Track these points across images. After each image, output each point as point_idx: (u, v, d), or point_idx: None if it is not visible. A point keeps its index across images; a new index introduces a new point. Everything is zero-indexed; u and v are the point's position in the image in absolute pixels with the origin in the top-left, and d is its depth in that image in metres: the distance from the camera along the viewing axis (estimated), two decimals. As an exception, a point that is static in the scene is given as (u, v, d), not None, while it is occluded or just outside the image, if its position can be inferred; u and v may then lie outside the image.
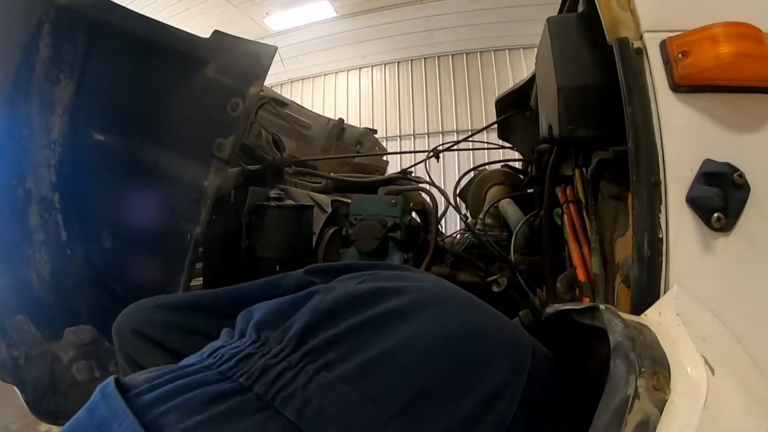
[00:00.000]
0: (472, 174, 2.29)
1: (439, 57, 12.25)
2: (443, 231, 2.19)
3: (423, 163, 2.16)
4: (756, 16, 0.86)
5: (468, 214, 2.31)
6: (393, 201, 1.78)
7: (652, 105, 0.84)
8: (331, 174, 2.47)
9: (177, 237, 1.66)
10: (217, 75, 1.71)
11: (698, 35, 0.83)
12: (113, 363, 1.69)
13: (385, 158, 3.65)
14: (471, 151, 2.36)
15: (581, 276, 1.15)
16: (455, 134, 11.99)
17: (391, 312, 0.72)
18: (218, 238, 1.87)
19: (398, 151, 11.93)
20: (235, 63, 1.72)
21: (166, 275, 1.67)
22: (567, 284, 1.27)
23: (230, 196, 1.90)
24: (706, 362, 0.62)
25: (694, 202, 0.78)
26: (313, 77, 13.88)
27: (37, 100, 1.71)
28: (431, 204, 1.89)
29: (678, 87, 0.83)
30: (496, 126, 2.13)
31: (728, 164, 0.78)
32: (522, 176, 2.29)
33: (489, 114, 8.86)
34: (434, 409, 0.61)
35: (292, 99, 10.68)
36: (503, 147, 2.27)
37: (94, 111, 1.82)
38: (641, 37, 0.89)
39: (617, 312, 0.67)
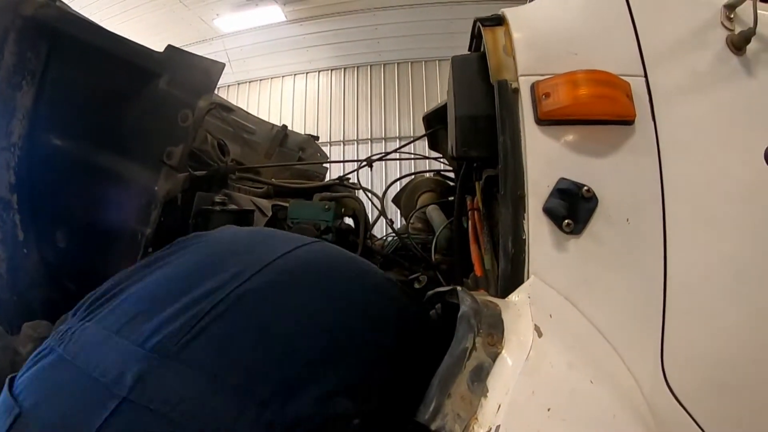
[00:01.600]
0: (405, 181, 2.48)
1: (384, 65, 12.35)
2: (375, 234, 2.36)
3: (359, 170, 2.32)
4: (612, 62, 1.11)
5: (398, 219, 2.50)
6: (326, 206, 1.92)
7: (521, 134, 1.07)
8: (272, 180, 2.56)
9: (129, 237, 1.75)
10: (169, 87, 1.79)
11: (559, 80, 1.06)
12: None
13: (325, 165, 3.75)
14: (403, 161, 2.52)
15: (477, 271, 1.37)
16: (398, 140, 12.11)
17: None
18: (166, 239, 1.95)
19: (341, 156, 12.11)
20: (186, 77, 1.81)
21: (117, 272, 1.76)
22: (474, 280, 1.50)
23: (177, 199, 1.97)
24: (537, 328, 0.85)
25: (548, 211, 1.01)
26: (260, 80, 13.78)
27: (0, 105, 1.77)
28: (362, 208, 2.04)
29: (541, 121, 1.06)
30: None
31: (576, 182, 1.01)
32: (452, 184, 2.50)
33: (431, 122, 9.13)
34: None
35: (239, 101, 10.61)
36: (430, 157, 2.46)
37: (53, 117, 1.86)
38: (517, 79, 1.11)
39: (470, 293, 0.91)
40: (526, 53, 1.14)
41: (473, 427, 0.76)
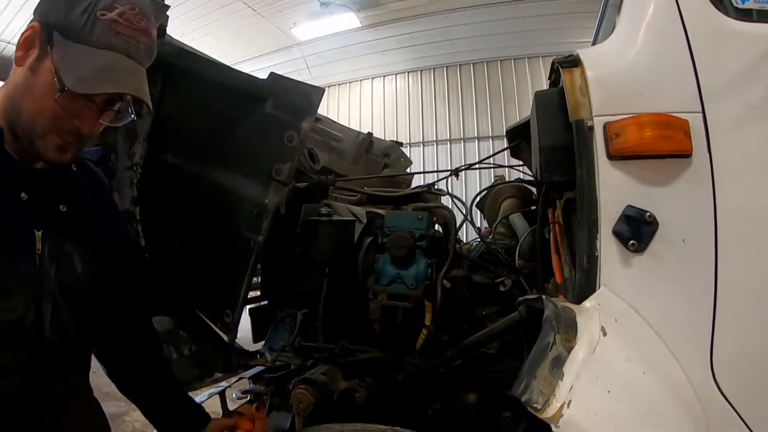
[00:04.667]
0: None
1: (460, 65, 12.73)
2: (462, 239, 2.62)
3: (446, 178, 2.60)
4: (673, 101, 1.37)
5: (479, 222, 2.76)
6: (420, 216, 2.10)
7: (595, 168, 1.35)
8: (365, 188, 2.77)
9: (242, 244, 1.97)
10: (274, 111, 2.01)
11: (627, 122, 1.33)
12: (187, 347, 2.09)
13: (408, 169, 3.94)
14: (489, 169, 2.74)
15: (558, 279, 1.67)
16: (476, 140, 12.31)
17: None
18: (273, 245, 2.13)
19: (421, 157, 12.41)
20: (289, 101, 2.00)
21: (231, 276, 2.00)
22: (554, 286, 1.78)
23: (281, 208, 2.12)
24: (603, 329, 1.16)
25: (616, 233, 1.31)
26: (339, 84, 14.35)
27: (122, 131, 2.06)
28: (451, 217, 2.22)
29: (612, 156, 1.34)
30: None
31: (639, 209, 1.29)
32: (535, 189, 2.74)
33: (509, 121, 9.21)
34: None
35: (320, 105, 11.07)
36: (512, 166, 2.71)
37: (170, 139, 2.17)
38: (592, 119, 1.38)
39: (553, 300, 1.23)
40: (599, 95, 1.40)
41: (551, 401, 1.08)
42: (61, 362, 1.33)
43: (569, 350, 1.18)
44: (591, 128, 1.39)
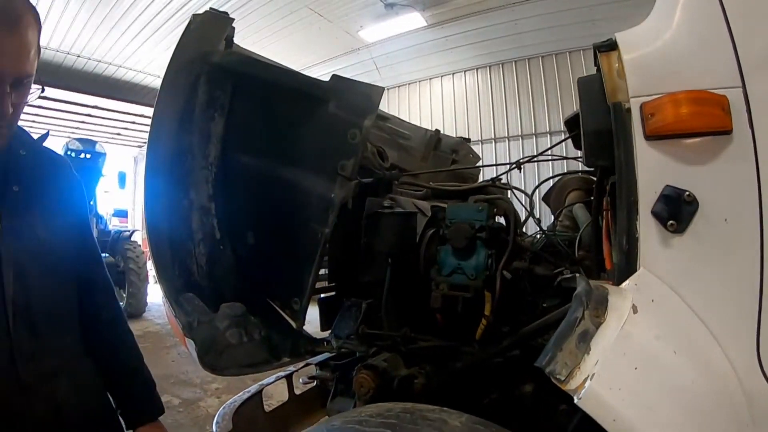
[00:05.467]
0: (552, 181, 2.74)
1: (528, 59, 12.54)
2: (525, 232, 2.62)
3: (509, 171, 2.61)
4: (711, 76, 1.32)
5: (549, 217, 2.77)
6: (480, 208, 2.14)
7: (633, 149, 1.34)
8: (430, 183, 2.81)
9: (310, 236, 2.08)
10: (337, 110, 2.11)
11: (663, 101, 1.31)
12: (257, 332, 2.17)
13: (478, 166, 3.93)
14: (554, 160, 2.71)
15: (607, 265, 1.67)
16: (549, 135, 12.06)
17: None
18: (340, 237, 2.26)
19: (493, 154, 12.33)
20: (351, 101, 2.09)
21: (299, 266, 2.12)
22: (612, 274, 1.77)
23: (349, 203, 2.21)
24: (633, 307, 1.16)
25: (655, 214, 1.29)
26: (409, 84, 14.48)
27: (198, 134, 2.24)
28: (512, 209, 2.24)
29: (649, 137, 1.32)
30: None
31: (678, 188, 1.27)
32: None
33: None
34: None
35: (390, 105, 11.31)
36: (575, 158, 2.69)
37: (241, 140, 2.32)
38: (629, 100, 1.37)
39: (586, 278, 1.23)
40: (635, 76, 1.39)
41: (575, 373, 1.09)
42: (32, 318, 1.48)
43: (597, 326, 1.19)
44: (628, 110, 1.38)
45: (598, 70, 1.62)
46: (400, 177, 2.63)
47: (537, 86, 12.59)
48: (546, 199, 2.84)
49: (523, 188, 2.51)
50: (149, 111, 2.18)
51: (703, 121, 1.28)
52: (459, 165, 3.64)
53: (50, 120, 17.00)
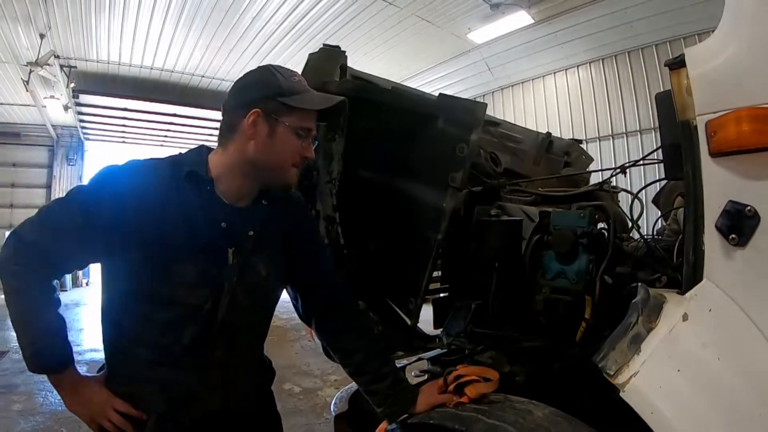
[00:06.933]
0: (660, 185, 2.72)
1: (642, 49, 11.84)
2: (632, 236, 2.65)
3: (615, 175, 2.63)
4: None
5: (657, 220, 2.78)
6: (582, 215, 2.24)
7: (700, 164, 1.43)
8: (538, 189, 2.90)
9: (424, 242, 2.24)
10: (445, 126, 2.26)
11: (726, 119, 1.36)
12: (376, 327, 2.37)
13: (591, 166, 3.95)
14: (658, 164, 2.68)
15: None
16: None
17: None
18: (452, 243, 2.41)
19: (611, 151, 12.16)
20: (457, 116, 2.23)
21: (415, 269, 2.29)
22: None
23: (460, 210, 2.42)
24: (684, 315, 1.27)
25: (719, 228, 1.37)
26: (522, 83, 14.29)
27: (321, 153, 2.44)
28: (615, 214, 2.31)
29: (713, 153, 1.40)
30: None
31: (740, 203, 1.34)
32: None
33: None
34: None
35: (505, 105, 11.39)
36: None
37: (360, 156, 2.52)
38: (695, 118, 1.45)
39: (646, 287, 1.38)
40: (701, 93, 1.45)
41: (624, 370, 1.26)
42: (229, 336, 1.76)
43: (649, 330, 1.33)
44: (695, 127, 1.45)
45: None
46: (506, 185, 2.76)
47: (653, 77, 11.77)
48: (655, 201, 2.85)
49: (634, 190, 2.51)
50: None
51: (764, 138, 1.33)
52: (572, 167, 3.68)
53: (182, 134, 18.58)
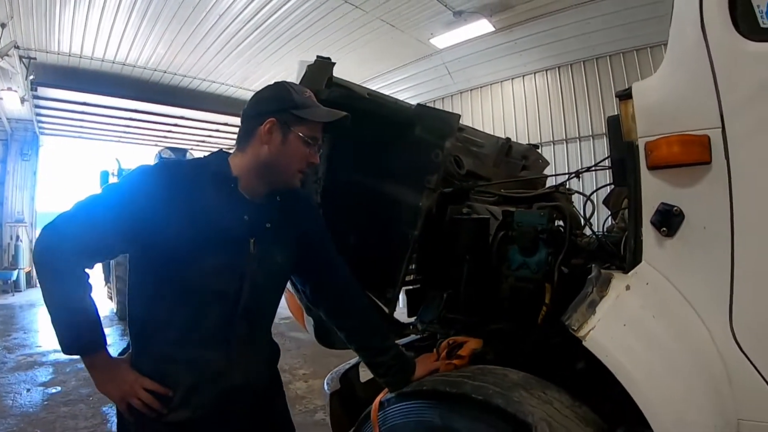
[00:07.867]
0: (609, 188, 2.99)
1: (597, 58, 12.39)
2: (585, 233, 2.89)
3: (570, 179, 2.96)
4: (698, 119, 1.72)
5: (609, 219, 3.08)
6: (542, 213, 2.49)
7: (640, 175, 1.82)
8: (501, 191, 3.10)
9: (401, 237, 2.45)
10: (422, 133, 2.50)
11: (660, 142, 1.76)
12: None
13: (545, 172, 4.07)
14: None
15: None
16: None
17: None
18: (426, 238, 2.62)
19: (564, 154, 12.82)
20: (433, 125, 2.49)
21: (392, 262, 2.49)
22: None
23: (433, 209, 2.58)
24: (627, 287, 1.70)
25: (653, 223, 1.78)
26: (481, 87, 14.71)
27: None
28: (569, 213, 2.59)
29: (650, 167, 1.79)
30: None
31: (670, 204, 1.75)
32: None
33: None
34: None
35: (464, 108, 11.95)
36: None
37: (342, 159, 2.72)
38: (638, 139, 1.83)
39: (598, 267, 1.80)
40: (642, 120, 1.83)
41: (584, 326, 1.68)
42: (250, 316, 1.97)
43: (601, 297, 1.76)
44: (637, 147, 1.83)
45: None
46: (474, 187, 3.01)
47: (605, 85, 12.33)
48: (606, 202, 3.18)
49: (587, 192, 2.81)
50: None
51: (688, 156, 1.72)
52: (529, 170, 3.90)
53: (140, 131, 18.69)
